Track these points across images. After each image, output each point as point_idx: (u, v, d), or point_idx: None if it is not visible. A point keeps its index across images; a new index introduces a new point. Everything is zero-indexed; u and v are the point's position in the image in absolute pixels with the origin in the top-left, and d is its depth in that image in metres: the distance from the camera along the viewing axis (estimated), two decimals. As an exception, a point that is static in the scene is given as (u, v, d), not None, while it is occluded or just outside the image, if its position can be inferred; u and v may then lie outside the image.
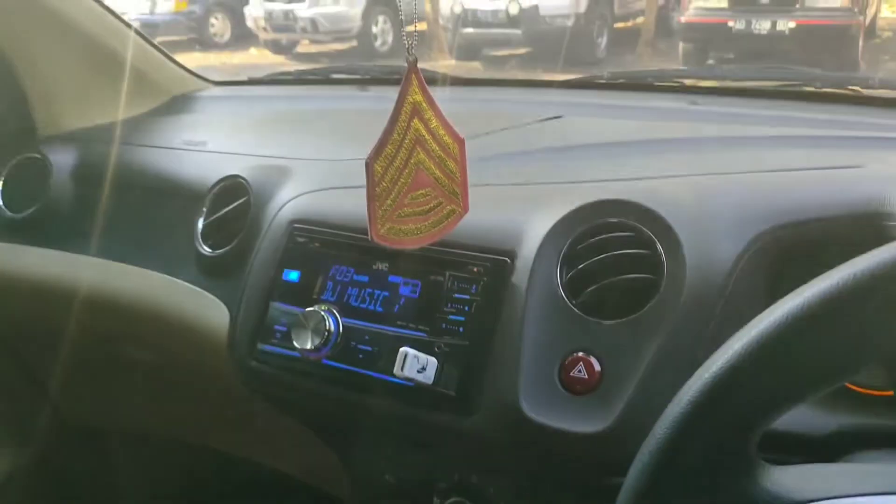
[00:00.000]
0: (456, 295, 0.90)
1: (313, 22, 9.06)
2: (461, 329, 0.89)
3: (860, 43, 6.96)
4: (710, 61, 7.45)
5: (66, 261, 1.33)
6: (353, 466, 1.10)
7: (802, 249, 0.84)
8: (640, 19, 8.88)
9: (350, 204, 1.03)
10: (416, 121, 0.79)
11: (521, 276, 0.88)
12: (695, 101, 1.39)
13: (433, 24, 8.20)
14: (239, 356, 1.05)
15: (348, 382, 0.94)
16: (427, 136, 0.80)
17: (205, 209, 1.19)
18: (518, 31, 8.17)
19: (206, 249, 1.16)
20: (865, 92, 1.31)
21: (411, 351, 0.87)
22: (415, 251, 0.84)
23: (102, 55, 1.51)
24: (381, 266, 0.96)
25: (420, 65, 0.78)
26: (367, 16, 9.12)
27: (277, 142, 1.35)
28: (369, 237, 0.80)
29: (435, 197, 0.82)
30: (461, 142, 0.82)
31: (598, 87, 1.57)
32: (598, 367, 0.82)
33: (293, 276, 1.02)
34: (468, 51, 8.45)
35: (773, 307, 0.52)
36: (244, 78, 1.87)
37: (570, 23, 7.98)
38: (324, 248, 1.02)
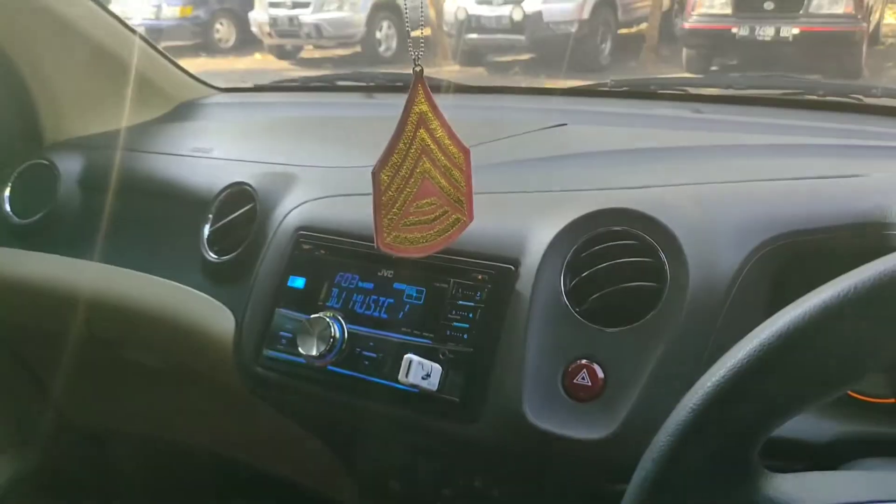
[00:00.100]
0: (460, 302, 0.91)
1: (317, 27, 9.07)
2: (465, 336, 0.89)
3: (864, 49, 6.95)
4: (714, 67, 7.44)
5: (72, 266, 1.34)
6: (357, 473, 1.10)
7: (805, 259, 0.84)
8: (643, 25, 8.88)
9: (355, 211, 1.03)
10: (422, 130, 0.79)
11: (525, 283, 0.88)
12: (698, 110, 1.39)
13: (437, 30, 8.20)
14: (244, 362, 1.05)
15: (353, 389, 0.95)
16: (433, 146, 0.80)
17: (211, 216, 1.20)
18: (522, 37, 8.16)
19: (212, 256, 1.17)
20: (868, 101, 1.31)
21: (416, 358, 0.88)
22: (420, 258, 0.85)
23: (108, 62, 1.51)
24: (387, 273, 0.97)
25: (424, 71, 0.79)
26: (371, 21, 9.13)
27: (283, 149, 1.36)
28: (375, 246, 0.80)
29: (440, 206, 0.83)
30: (466, 151, 0.83)
31: (602, 94, 1.57)
32: (601, 375, 0.83)
33: (299, 282, 1.02)
34: (472, 56, 8.45)
35: (775, 316, 0.52)
36: (250, 84, 1.87)
37: (573, 29, 7.97)
38: (329, 255, 1.02)
